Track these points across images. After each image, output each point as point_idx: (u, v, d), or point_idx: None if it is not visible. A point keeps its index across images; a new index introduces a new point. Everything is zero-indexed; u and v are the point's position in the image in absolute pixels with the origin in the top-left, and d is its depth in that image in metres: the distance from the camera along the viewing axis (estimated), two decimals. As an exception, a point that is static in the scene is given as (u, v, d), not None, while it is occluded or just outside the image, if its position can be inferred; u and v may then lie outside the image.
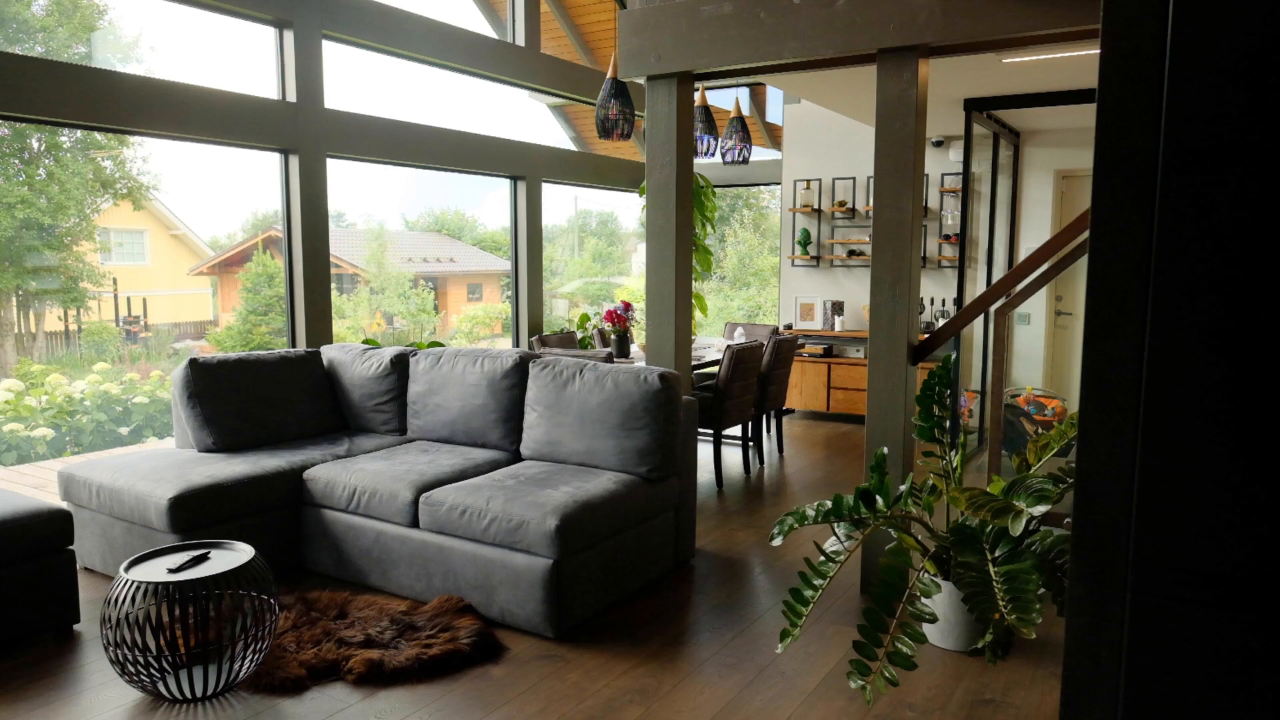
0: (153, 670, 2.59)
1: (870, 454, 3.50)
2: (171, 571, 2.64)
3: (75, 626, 3.20)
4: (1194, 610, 1.15)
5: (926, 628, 3.07)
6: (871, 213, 7.46)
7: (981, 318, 6.00)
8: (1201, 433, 1.12)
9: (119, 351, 11.51)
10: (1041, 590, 2.47)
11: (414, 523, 3.44)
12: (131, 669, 2.58)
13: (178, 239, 14.24)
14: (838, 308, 7.63)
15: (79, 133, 10.90)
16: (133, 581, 2.56)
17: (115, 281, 12.05)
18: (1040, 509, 2.44)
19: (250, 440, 3.99)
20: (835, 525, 2.83)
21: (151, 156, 11.83)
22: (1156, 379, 1.18)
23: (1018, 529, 2.38)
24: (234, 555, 2.80)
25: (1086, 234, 3.42)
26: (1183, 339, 1.14)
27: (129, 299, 12.52)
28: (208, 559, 2.76)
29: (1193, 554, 1.16)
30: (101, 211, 12.12)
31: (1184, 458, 1.15)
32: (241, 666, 2.68)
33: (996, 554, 2.59)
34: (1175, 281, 1.14)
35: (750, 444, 5.75)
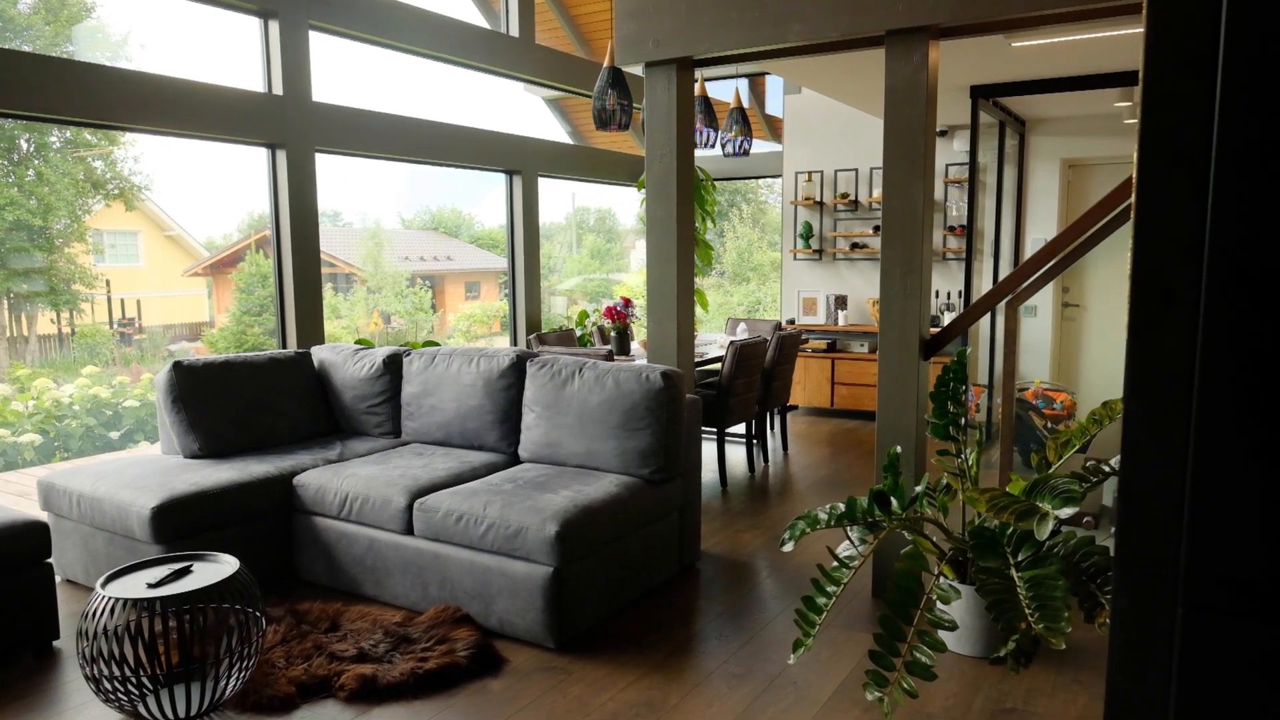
0: (131, 690, 2.46)
1: (882, 452, 3.37)
2: (151, 586, 2.50)
3: (55, 643, 3.06)
4: (1254, 627, 1.04)
5: (943, 633, 2.95)
6: (875, 204, 7.35)
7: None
8: (1264, 431, 1.00)
9: (112, 354, 11.38)
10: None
11: (408, 530, 3.31)
12: (108, 687, 2.45)
13: (172, 240, 14.11)
14: (841, 302, 7.50)
15: (69, 132, 10.76)
16: (109, 598, 2.43)
17: (108, 283, 11.92)
18: (1067, 511, 2.31)
19: (238, 445, 3.86)
20: (848, 529, 2.70)
21: (143, 156, 11.70)
22: (1211, 374, 1.08)
23: (1044, 533, 2.25)
24: (218, 568, 2.67)
25: (1099, 225, 3.30)
26: (1241, 330, 1.02)
27: (122, 301, 12.39)
28: (190, 572, 2.63)
29: (1252, 566, 1.04)
30: (93, 213, 11.98)
31: (1245, 459, 1.03)
32: (227, 685, 2.55)
33: (1019, 558, 2.46)
34: (1231, 268, 1.01)
35: (754, 442, 5.62)
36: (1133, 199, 1.12)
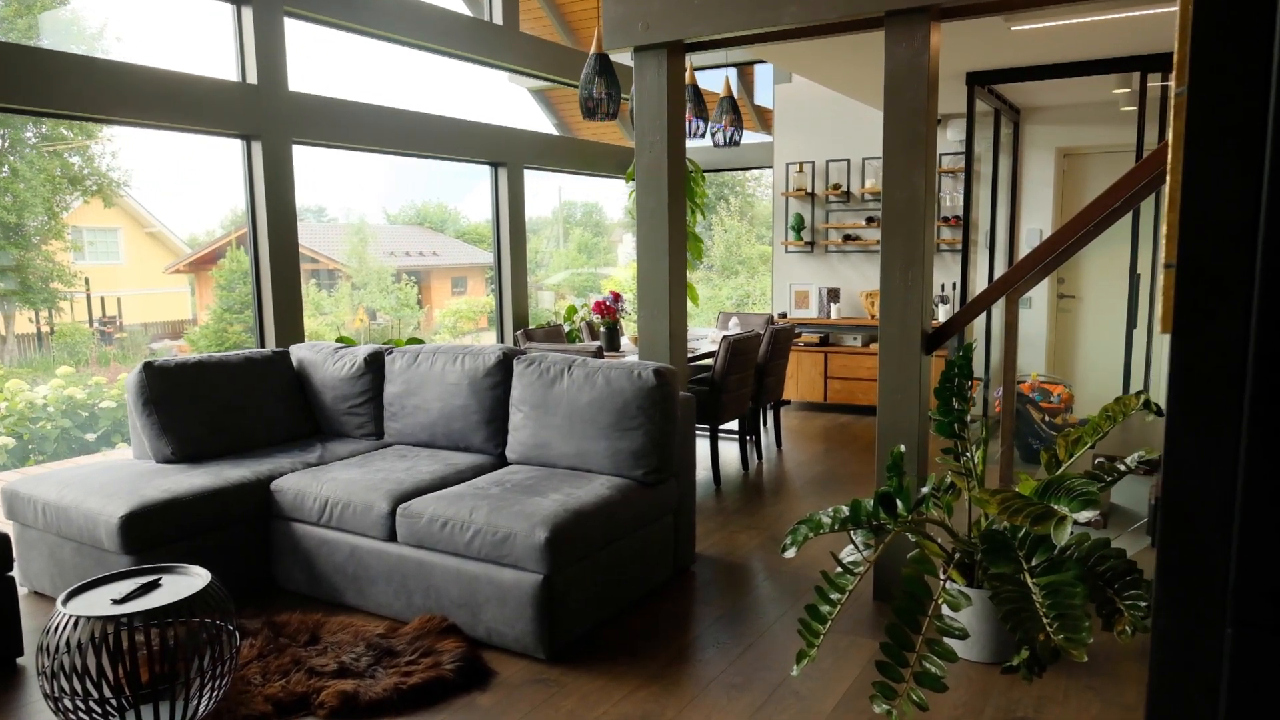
0: (94, 711, 2.31)
1: (883, 451, 3.25)
2: (116, 602, 2.35)
3: (18, 660, 2.91)
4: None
5: (951, 640, 2.83)
6: (868, 195, 7.23)
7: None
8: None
9: (92, 354, 11.16)
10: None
11: (391, 536, 3.17)
12: (69, 706, 2.30)
13: (153, 236, 13.85)
14: (833, 295, 7.39)
15: (44, 127, 10.52)
16: (70, 615, 2.28)
17: (88, 281, 11.67)
18: (1086, 514, 2.19)
19: (213, 449, 3.70)
20: (852, 533, 2.58)
21: (121, 152, 11.43)
22: (1265, 372, 0.96)
23: (1062, 537, 2.13)
24: (188, 580, 2.52)
25: (1107, 212, 3.18)
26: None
27: (103, 299, 12.14)
28: (159, 586, 2.48)
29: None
30: (72, 209, 11.73)
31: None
32: (199, 705, 2.41)
33: (1034, 563, 2.34)
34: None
35: (748, 439, 5.51)
36: (1168, 181, 1.01)
